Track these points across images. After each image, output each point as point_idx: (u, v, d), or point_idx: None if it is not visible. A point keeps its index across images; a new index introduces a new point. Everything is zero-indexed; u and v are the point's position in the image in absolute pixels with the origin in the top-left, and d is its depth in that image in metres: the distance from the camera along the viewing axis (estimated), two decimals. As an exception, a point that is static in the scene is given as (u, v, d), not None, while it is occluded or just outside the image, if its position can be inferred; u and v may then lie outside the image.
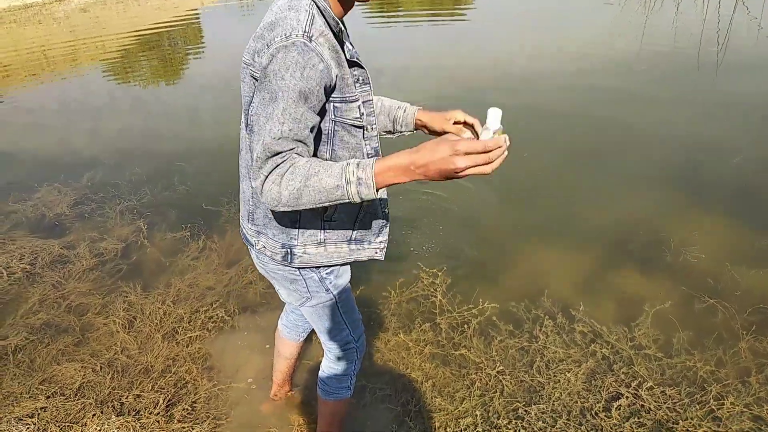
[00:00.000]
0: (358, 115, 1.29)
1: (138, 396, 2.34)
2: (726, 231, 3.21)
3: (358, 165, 1.11)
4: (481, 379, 2.31)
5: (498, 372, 2.33)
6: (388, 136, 1.63)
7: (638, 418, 2.08)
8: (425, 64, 7.09)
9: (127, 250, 3.44)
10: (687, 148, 4.22)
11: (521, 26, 8.98)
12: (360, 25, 9.50)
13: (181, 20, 12.86)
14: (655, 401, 2.14)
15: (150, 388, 2.37)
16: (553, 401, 2.18)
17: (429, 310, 2.73)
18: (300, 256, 1.43)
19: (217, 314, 2.81)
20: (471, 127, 1.45)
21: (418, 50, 7.84)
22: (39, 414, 2.26)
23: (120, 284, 3.10)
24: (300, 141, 1.15)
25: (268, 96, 1.13)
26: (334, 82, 1.20)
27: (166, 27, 12.09)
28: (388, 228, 1.51)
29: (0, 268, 3.28)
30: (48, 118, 6.33)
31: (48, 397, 2.35)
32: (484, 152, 1.04)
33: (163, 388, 2.37)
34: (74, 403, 2.31)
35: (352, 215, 1.42)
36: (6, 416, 2.25)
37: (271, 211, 1.40)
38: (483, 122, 1.20)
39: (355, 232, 1.45)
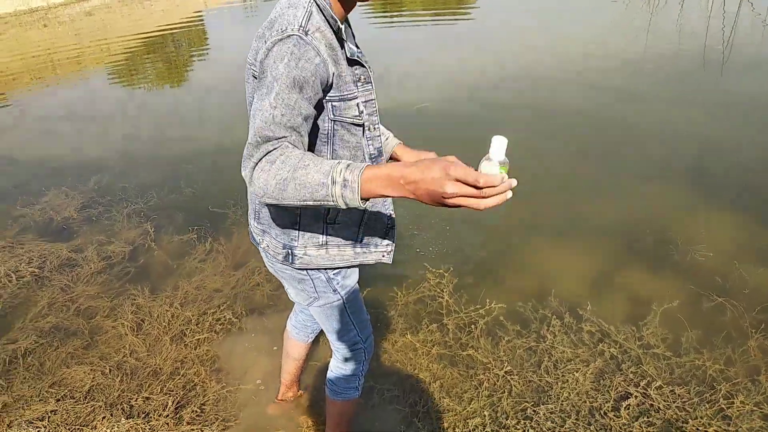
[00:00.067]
0: (357, 113, 1.29)
1: (147, 398, 2.35)
2: (733, 229, 3.20)
3: (348, 166, 1.01)
4: (489, 380, 2.31)
5: (506, 372, 2.33)
6: None
7: (647, 418, 2.08)
8: (429, 64, 7.08)
9: (135, 253, 3.46)
10: (693, 147, 4.21)
11: (525, 26, 8.95)
12: (363, 26, 9.51)
13: (186, 22, 12.90)
14: (664, 400, 2.14)
15: (159, 390, 2.39)
16: (562, 401, 2.18)
17: (436, 311, 2.73)
18: (300, 258, 1.43)
19: (224, 316, 2.82)
20: None
21: (422, 50, 7.84)
22: (49, 417, 2.28)
23: (128, 287, 3.11)
24: (293, 129, 1.10)
25: (265, 90, 1.12)
26: (330, 79, 1.20)
27: (170, 29, 12.14)
28: (394, 230, 1.50)
29: (9, 271, 3.30)
30: (54, 122, 6.36)
31: (58, 400, 2.37)
32: (475, 186, 0.92)
33: (172, 391, 2.39)
34: (84, 406, 2.32)
35: (356, 218, 1.42)
36: (17, 419, 2.27)
37: (273, 211, 1.41)
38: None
39: (360, 235, 1.44)
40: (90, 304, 2.99)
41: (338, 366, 1.74)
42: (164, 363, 2.54)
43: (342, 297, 1.55)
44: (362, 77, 1.30)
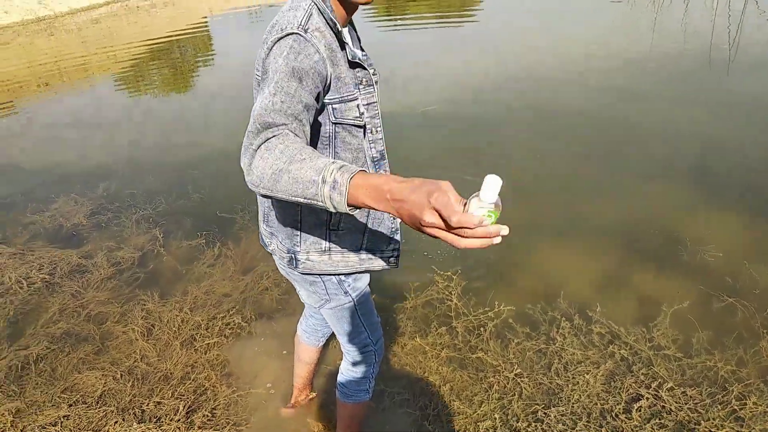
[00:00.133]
0: (358, 114, 1.30)
1: (158, 403, 2.36)
2: (743, 229, 3.18)
3: (341, 167, 0.93)
4: (499, 382, 2.31)
5: (516, 375, 2.33)
6: None
7: (659, 420, 2.07)
8: (435, 67, 7.09)
9: (144, 258, 3.48)
10: (700, 147, 4.19)
11: (528, 27, 8.95)
12: (368, 29, 9.53)
13: (191, 29, 12.98)
14: (676, 402, 2.13)
15: (170, 395, 2.40)
16: (573, 403, 2.17)
17: (445, 314, 2.73)
18: (303, 262, 1.44)
19: (234, 321, 2.83)
20: None
21: (427, 53, 7.85)
22: (62, 422, 2.29)
23: (138, 292, 3.13)
24: (294, 116, 1.05)
25: (265, 85, 1.12)
26: (328, 79, 1.21)
27: (176, 36, 12.21)
28: (399, 235, 1.50)
29: (20, 278, 3.32)
30: (62, 129, 6.41)
31: (70, 405, 2.38)
32: (452, 223, 0.83)
33: (183, 395, 2.40)
34: (96, 411, 2.34)
35: (359, 225, 1.42)
36: (30, 425, 2.29)
37: (277, 214, 1.42)
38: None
39: (365, 241, 1.44)
40: (100, 309, 3.01)
41: (349, 368, 1.75)
42: (175, 368, 2.55)
43: (353, 299, 1.56)
44: (364, 80, 1.30)
